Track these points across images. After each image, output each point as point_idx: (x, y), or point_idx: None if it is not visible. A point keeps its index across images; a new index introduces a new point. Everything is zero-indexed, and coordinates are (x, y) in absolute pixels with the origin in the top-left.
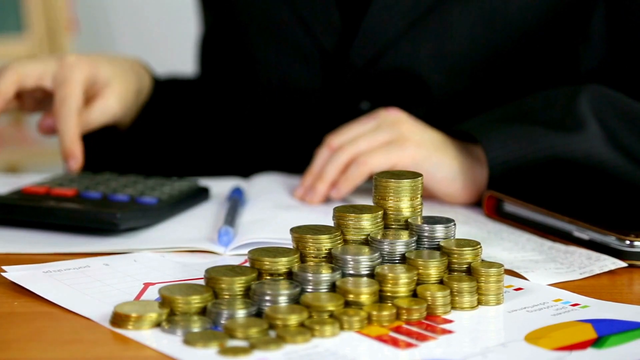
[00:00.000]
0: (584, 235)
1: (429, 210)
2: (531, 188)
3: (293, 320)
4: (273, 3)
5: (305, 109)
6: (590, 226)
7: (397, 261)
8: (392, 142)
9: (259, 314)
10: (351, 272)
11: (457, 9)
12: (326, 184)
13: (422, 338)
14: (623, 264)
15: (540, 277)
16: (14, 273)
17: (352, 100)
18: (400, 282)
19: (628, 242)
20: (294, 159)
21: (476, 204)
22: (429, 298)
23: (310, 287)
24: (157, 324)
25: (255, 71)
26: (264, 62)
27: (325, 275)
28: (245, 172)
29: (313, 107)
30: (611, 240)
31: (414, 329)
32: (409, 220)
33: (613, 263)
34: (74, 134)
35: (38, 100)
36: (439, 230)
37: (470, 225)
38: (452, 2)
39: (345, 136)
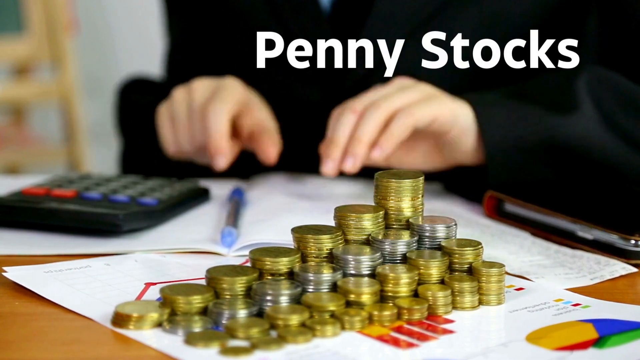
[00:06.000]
0: (588, 235)
1: (430, 211)
2: (528, 167)
3: (294, 320)
4: (260, 19)
5: (302, 117)
6: (595, 225)
7: (398, 261)
8: (426, 98)
9: (260, 314)
10: (352, 272)
11: (457, 16)
12: (365, 145)
13: (423, 338)
14: (633, 269)
15: (551, 283)
16: (14, 273)
17: None
18: (402, 282)
19: (633, 241)
20: (292, 159)
21: (477, 203)
22: (430, 298)
23: (311, 287)
24: (158, 324)
25: (246, 81)
26: (254, 76)
27: (327, 275)
28: (245, 173)
29: (311, 115)
30: (616, 239)
31: (415, 329)
32: (410, 220)
33: (623, 268)
34: (223, 130)
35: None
36: (440, 230)
37: (472, 228)
38: (452, 10)
39: (371, 98)
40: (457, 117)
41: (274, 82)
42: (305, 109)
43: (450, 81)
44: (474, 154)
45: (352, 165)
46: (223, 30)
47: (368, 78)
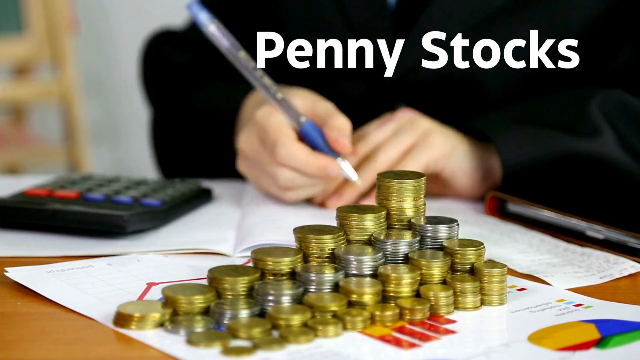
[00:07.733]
0: (599, 234)
1: (433, 211)
2: (544, 189)
3: (296, 320)
4: (325, 13)
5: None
6: (607, 226)
7: (400, 261)
8: (417, 143)
9: (262, 314)
10: (354, 272)
11: (517, 18)
12: (357, 193)
13: (425, 338)
14: None
15: (561, 281)
16: (17, 273)
17: (390, 103)
18: (403, 282)
19: None
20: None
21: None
22: (432, 298)
23: (313, 287)
24: (160, 324)
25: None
26: (300, 71)
27: (328, 275)
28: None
29: (352, 110)
30: (628, 238)
31: (417, 329)
32: (412, 220)
33: (632, 266)
34: (309, 157)
35: None
36: (442, 231)
37: (481, 227)
38: (512, 12)
39: (369, 144)
40: (447, 157)
41: (317, 76)
42: (346, 104)
43: (506, 79)
44: (474, 189)
45: (334, 203)
46: (278, 25)
47: (407, 75)
